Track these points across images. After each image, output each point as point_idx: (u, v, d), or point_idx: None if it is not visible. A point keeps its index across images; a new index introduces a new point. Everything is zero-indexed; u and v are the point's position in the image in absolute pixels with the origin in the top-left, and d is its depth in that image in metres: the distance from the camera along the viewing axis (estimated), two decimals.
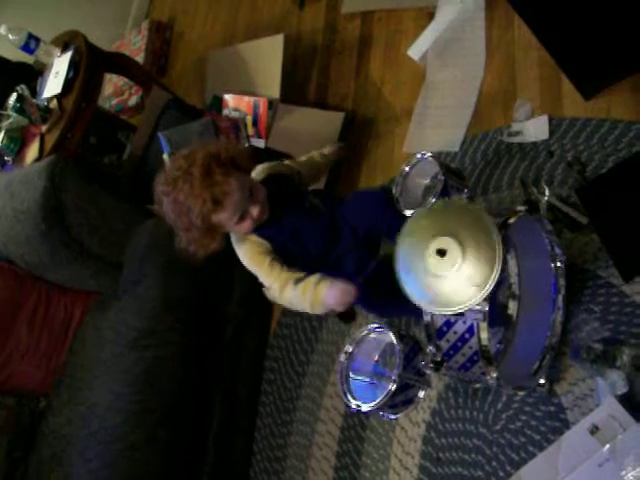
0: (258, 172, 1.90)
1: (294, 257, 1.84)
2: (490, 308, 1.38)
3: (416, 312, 1.49)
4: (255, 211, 1.72)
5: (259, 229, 1.79)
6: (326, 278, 1.69)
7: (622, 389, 1.49)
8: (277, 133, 2.75)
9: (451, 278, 1.33)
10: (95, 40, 2.93)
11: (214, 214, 1.66)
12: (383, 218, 1.79)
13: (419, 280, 1.38)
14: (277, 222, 1.80)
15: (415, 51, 2.51)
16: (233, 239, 1.83)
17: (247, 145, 2.69)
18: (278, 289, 1.75)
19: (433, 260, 1.35)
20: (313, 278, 1.71)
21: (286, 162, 2.01)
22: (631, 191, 1.67)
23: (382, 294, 1.78)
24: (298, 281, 1.73)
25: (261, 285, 1.83)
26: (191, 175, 1.62)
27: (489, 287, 1.30)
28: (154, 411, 2.12)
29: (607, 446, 1.39)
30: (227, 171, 1.66)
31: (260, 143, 2.72)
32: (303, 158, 2.09)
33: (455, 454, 1.82)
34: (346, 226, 1.87)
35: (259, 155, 2.13)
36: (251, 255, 1.81)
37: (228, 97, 2.81)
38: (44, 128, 2.75)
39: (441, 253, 1.34)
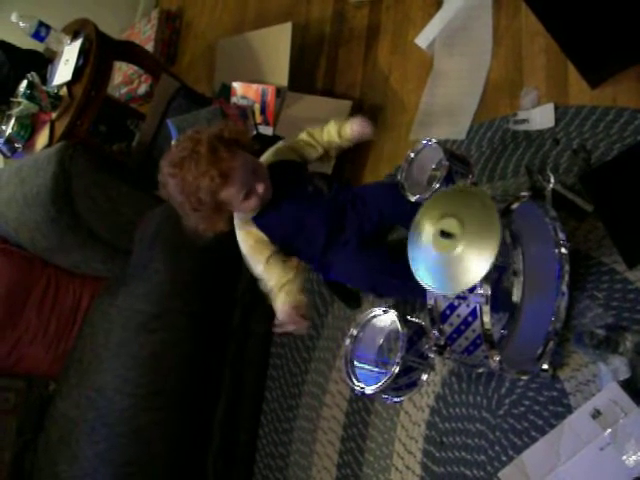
0: (266, 157, 1.93)
1: (296, 246, 1.87)
2: (494, 294, 1.40)
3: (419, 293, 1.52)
4: (260, 187, 1.75)
5: (259, 217, 1.83)
6: (286, 291, 1.79)
7: (624, 375, 1.50)
8: (285, 121, 2.75)
9: (454, 259, 1.34)
10: (105, 29, 2.94)
11: (222, 189, 1.69)
12: (397, 206, 1.79)
13: (426, 261, 1.39)
14: (278, 210, 1.83)
15: (423, 40, 2.52)
16: (236, 226, 1.87)
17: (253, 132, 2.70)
18: (271, 290, 1.83)
19: (437, 241, 1.36)
20: (280, 297, 1.80)
21: (299, 141, 1.99)
22: (636, 179, 1.68)
23: (389, 275, 1.80)
24: (281, 289, 1.80)
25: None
26: (197, 153, 1.66)
27: (491, 264, 1.30)
28: (161, 394, 2.15)
29: (609, 430, 1.41)
30: (232, 149, 1.70)
31: (268, 131, 2.73)
32: (323, 136, 1.98)
33: (458, 438, 1.84)
34: (362, 214, 1.88)
35: (267, 143, 2.11)
36: (251, 246, 1.86)
37: (236, 85, 2.82)
38: (54, 115, 2.76)
39: (445, 235, 1.35)
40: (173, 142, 2.59)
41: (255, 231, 1.85)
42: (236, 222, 1.87)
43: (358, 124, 1.95)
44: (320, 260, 1.90)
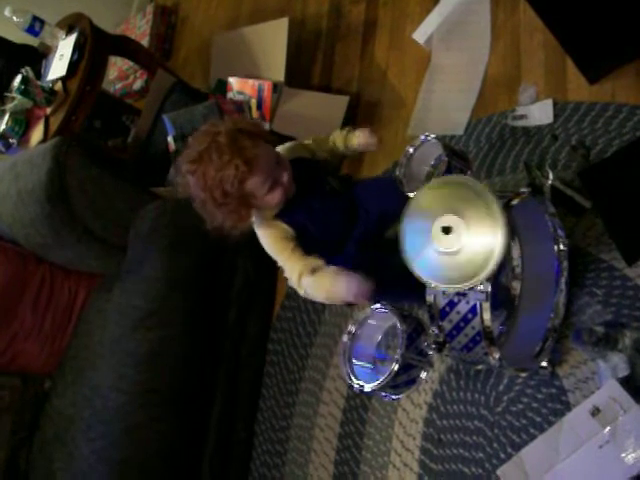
0: (282, 152, 1.86)
1: (315, 242, 1.81)
2: (493, 290, 1.39)
3: (418, 298, 1.51)
4: (285, 176, 1.69)
5: (283, 214, 1.77)
6: (342, 270, 1.65)
7: (623, 372, 1.49)
8: (281, 116, 2.74)
9: (456, 255, 1.34)
10: (100, 23, 2.92)
11: (248, 178, 1.62)
12: (397, 202, 1.76)
13: (424, 257, 1.38)
14: (301, 206, 1.78)
15: (420, 35, 2.51)
16: (256, 223, 1.79)
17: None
18: (297, 277, 1.71)
19: (438, 237, 1.35)
20: (329, 269, 1.67)
21: (305, 142, 1.96)
22: (635, 175, 1.68)
23: (387, 279, 1.78)
24: (316, 270, 1.68)
25: (270, 270, 1.82)
26: (218, 144, 1.60)
27: (494, 262, 1.29)
28: (157, 392, 2.14)
29: (608, 428, 1.40)
30: (252, 137, 1.64)
31: (264, 126, 2.72)
32: (328, 143, 1.96)
33: (456, 436, 1.83)
34: (362, 209, 1.86)
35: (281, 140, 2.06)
36: (274, 240, 1.77)
37: (233, 80, 2.81)
38: (49, 110, 2.75)
39: (446, 230, 1.34)
40: (169, 138, 2.60)
41: (280, 227, 1.77)
42: (255, 220, 1.79)
43: (364, 136, 1.90)
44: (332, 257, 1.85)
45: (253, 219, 1.77)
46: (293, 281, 1.73)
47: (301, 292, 1.73)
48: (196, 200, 1.68)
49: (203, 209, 1.69)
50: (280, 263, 1.78)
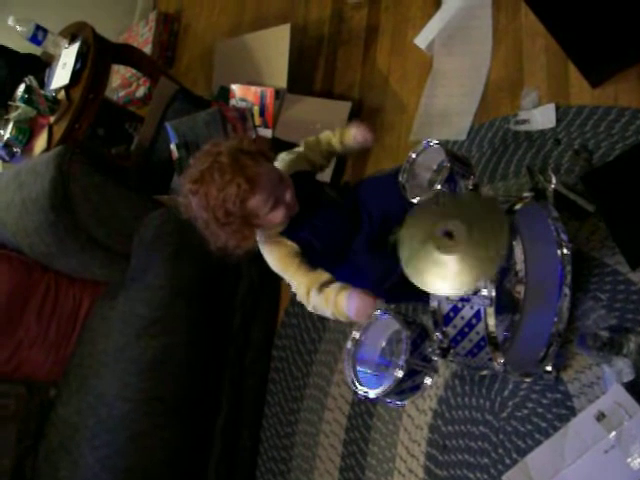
0: (279, 163, 1.85)
1: (321, 254, 1.79)
2: (497, 295, 1.39)
3: (423, 298, 1.50)
4: (288, 195, 1.68)
5: (287, 231, 1.75)
6: (347, 287, 1.63)
7: (628, 376, 1.49)
8: (284, 123, 2.75)
9: (458, 261, 1.34)
10: (103, 32, 2.92)
11: (250, 197, 1.61)
12: (398, 201, 1.71)
13: (425, 263, 1.38)
14: (304, 223, 1.76)
15: (422, 40, 2.51)
16: (260, 240, 1.77)
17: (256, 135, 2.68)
18: (304, 293, 1.70)
19: (440, 243, 1.35)
20: (335, 286, 1.65)
21: (300, 150, 1.92)
22: (638, 178, 1.67)
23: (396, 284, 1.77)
24: (322, 287, 1.67)
25: (274, 277, 1.80)
26: (220, 163, 1.59)
27: (497, 266, 1.29)
28: (161, 399, 2.14)
29: (613, 433, 1.40)
30: (254, 156, 1.63)
31: (267, 133, 2.73)
32: (321, 145, 1.93)
33: (462, 441, 1.83)
34: (364, 212, 1.84)
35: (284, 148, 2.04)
36: (279, 257, 1.75)
37: (235, 87, 2.82)
38: (52, 119, 2.75)
39: (449, 235, 1.34)
40: (172, 146, 2.61)
41: (285, 243, 1.75)
42: (259, 237, 1.77)
43: (360, 130, 1.87)
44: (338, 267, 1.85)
45: (257, 237, 1.76)
46: (301, 297, 1.72)
47: (309, 308, 1.73)
48: (199, 220, 1.67)
49: (206, 229, 1.67)
50: (287, 279, 1.76)
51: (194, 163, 1.67)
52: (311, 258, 1.76)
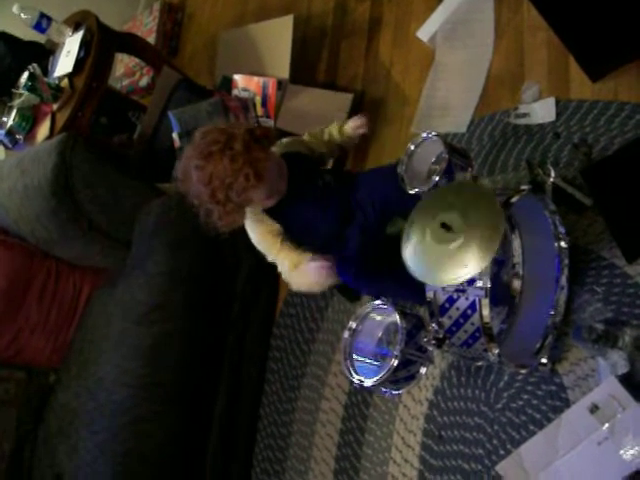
0: (277, 147, 1.90)
1: (305, 237, 1.85)
2: (493, 287, 1.40)
3: (418, 296, 1.52)
4: (283, 187, 1.76)
5: (271, 211, 1.81)
6: (315, 259, 1.75)
7: (623, 369, 1.50)
8: (286, 113, 2.75)
9: (454, 252, 1.35)
10: (107, 20, 2.93)
11: (254, 189, 1.66)
12: (397, 192, 1.74)
13: (423, 254, 1.39)
14: (290, 202, 1.81)
15: (424, 33, 2.51)
16: (247, 215, 1.83)
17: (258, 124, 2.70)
18: (287, 271, 1.77)
19: (437, 234, 1.36)
20: (305, 259, 1.75)
21: (304, 138, 2.00)
22: (636, 173, 1.67)
23: (387, 272, 1.79)
24: (300, 263, 1.76)
25: (273, 265, 1.85)
26: (232, 150, 1.62)
27: (490, 257, 1.30)
28: (160, 385, 2.15)
29: (606, 425, 1.41)
30: (264, 148, 1.68)
31: (269, 123, 2.73)
32: (323, 136, 2.04)
33: (457, 432, 1.84)
34: (364, 203, 1.87)
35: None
36: (262, 235, 1.83)
37: (238, 77, 2.82)
38: (55, 107, 2.76)
39: (445, 227, 1.35)
40: (174, 135, 2.61)
41: (268, 222, 1.82)
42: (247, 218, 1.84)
43: (356, 119, 2.04)
44: (326, 253, 1.88)
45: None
46: (285, 275, 1.80)
47: (293, 286, 1.82)
48: (192, 191, 1.70)
49: (200, 202, 1.71)
50: (270, 258, 1.84)
51: (204, 138, 1.69)
52: (296, 237, 1.84)
